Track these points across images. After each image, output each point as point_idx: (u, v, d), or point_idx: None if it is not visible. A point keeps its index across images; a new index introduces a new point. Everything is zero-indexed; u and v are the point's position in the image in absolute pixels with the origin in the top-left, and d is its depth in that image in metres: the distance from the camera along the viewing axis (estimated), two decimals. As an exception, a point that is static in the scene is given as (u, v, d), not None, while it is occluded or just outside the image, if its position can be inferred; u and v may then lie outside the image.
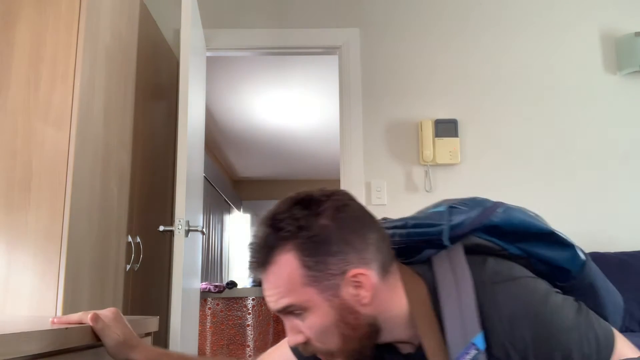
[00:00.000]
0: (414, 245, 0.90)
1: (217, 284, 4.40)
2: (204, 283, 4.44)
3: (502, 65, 2.73)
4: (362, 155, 2.60)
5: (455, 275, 0.82)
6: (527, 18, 2.78)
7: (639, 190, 2.63)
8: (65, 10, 1.50)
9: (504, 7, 2.79)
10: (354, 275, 0.79)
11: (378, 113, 2.67)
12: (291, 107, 4.61)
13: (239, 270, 7.03)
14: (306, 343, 0.82)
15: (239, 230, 7.18)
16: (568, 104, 2.70)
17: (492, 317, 0.78)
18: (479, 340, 0.77)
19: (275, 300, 0.81)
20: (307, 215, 0.80)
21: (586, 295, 0.87)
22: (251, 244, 0.84)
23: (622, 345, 0.80)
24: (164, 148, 2.36)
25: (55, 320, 0.89)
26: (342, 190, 0.87)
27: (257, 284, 4.75)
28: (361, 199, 2.56)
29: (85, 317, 0.87)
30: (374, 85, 2.69)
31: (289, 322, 0.83)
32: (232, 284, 4.44)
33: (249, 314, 4.47)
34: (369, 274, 0.80)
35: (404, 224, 0.92)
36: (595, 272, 0.91)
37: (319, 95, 4.31)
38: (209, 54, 2.75)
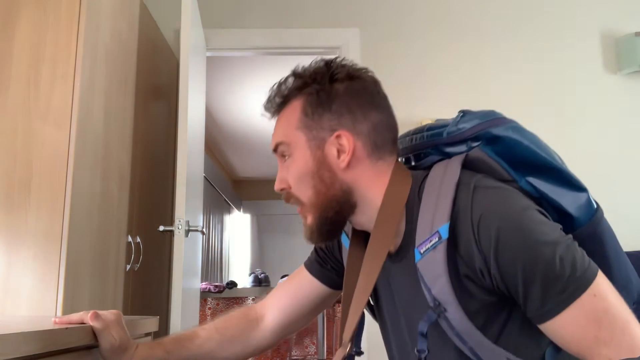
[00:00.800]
0: (424, 152, 0.92)
1: (217, 284, 4.40)
2: (204, 283, 4.44)
3: (502, 65, 2.73)
4: (362, 155, 2.60)
5: (445, 174, 0.80)
6: (527, 18, 2.78)
7: (639, 190, 2.63)
8: (65, 10, 1.50)
9: (504, 7, 2.79)
10: (338, 137, 0.85)
11: (378, 113, 2.67)
12: (291, 107, 4.61)
13: (239, 270, 7.03)
14: (288, 191, 0.88)
15: (239, 230, 7.18)
16: (568, 104, 2.70)
17: (464, 212, 0.75)
18: (444, 229, 0.75)
19: (276, 136, 0.90)
20: (324, 73, 0.88)
21: (592, 252, 0.76)
22: (277, 86, 0.93)
23: (605, 289, 0.71)
24: (164, 148, 2.36)
25: (56, 320, 0.89)
26: (371, 72, 0.95)
27: (257, 283, 4.75)
28: (361, 199, 2.56)
29: (86, 316, 0.86)
30: (374, 85, 2.69)
31: (280, 170, 0.89)
32: (232, 284, 4.44)
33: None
34: (353, 142, 0.85)
35: (422, 128, 0.95)
36: (606, 228, 0.86)
37: (319, 95, 4.31)
38: (209, 54, 2.75)
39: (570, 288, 0.70)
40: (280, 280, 4.76)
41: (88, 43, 1.52)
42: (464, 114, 0.90)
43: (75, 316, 0.88)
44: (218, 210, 6.12)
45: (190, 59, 2.02)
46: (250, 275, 4.98)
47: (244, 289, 4.62)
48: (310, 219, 0.87)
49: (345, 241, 0.97)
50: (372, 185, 0.86)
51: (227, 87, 4.19)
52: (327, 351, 4.27)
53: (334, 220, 0.86)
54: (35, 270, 1.36)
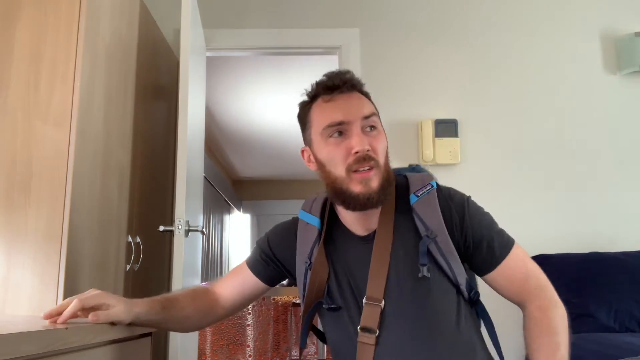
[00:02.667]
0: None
1: (217, 284, 4.39)
2: (204, 283, 4.43)
3: (502, 65, 2.73)
4: (362, 155, 2.60)
5: (423, 177, 1.17)
6: (527, 18, 2.78)
7: (639, 190, 2.63)
8: (65, 10, 1.50)
9: (504, 7, 2.79)
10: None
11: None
12: (291, 107, 4.61)
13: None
14: (369, 153, 1.07)
15: (239, 230, 7.17)
16: (568, 104, 2.70)
17: (441, 191, 1.15)
18: (434, 182, 1.15)
19: (363, 108, 1.11)
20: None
21: None
22: (337, 74, 1.15)
23: (520, 250, 1.14)
24: (164, 148, 2.36)
25: (59, 321, 0.89)
26: None
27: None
28: (361, 199, 2.56)
29: (77, 305, 0.92)
30: (374, 85, 2.69)
31: (366, 136, 1.09)
32: (232, 284, 4.43)
33: (249, 314, 4.46)
34: None
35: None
36: None
37: (319, 95, 4.30)
38: (209, 54, 2.75)
39: (505, 243, 1.13)
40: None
41: (88, 43, 1.52)
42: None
43: (67, 314, 0.90)
44: (218, 210, 6.12)
45: (190, 59, 2.02)
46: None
47: (244, 289, 4.61)
48: (378, 180, 1.07)
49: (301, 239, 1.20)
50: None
51: (227, 87, 4.19)
52: (327, 351, 4.27)
53: (388, 187, 1.10)
54: (35, 270, 1.36)
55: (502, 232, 1.14)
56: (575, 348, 2.00)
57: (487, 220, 1.14)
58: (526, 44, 2.75)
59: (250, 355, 4.26)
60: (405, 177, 1.17)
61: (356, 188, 1.06)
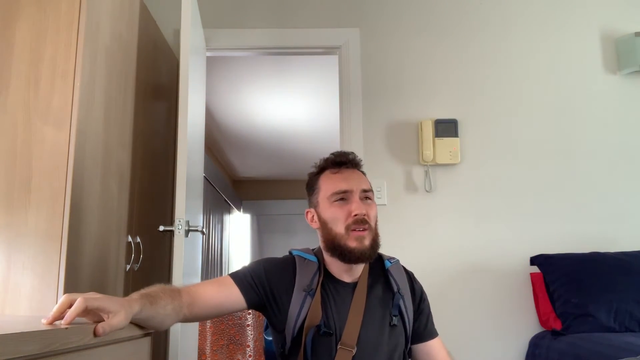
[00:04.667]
0: None
1: (217, 284, 4.39)
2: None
3: (502, 65, 2.73)
4: (362, 155, 2.60)
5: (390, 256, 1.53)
6: (527, 18, 2.78)
7: (639, 190, 2.63)
8: (65, 10, 1.50)
9: (504, 7, 2.79)
10: None
11: (378, 113, 2.67)
12: (291, 107, 4.61)
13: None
14: (364, 217, 1.33)
15: (239, 230, 7.17)
16: (568, 104, 2.70)
17: (405, 267, 1.52)
18: (396, 259, 1.49)
19: (364, 184, 1.39)
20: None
21: None
22: (346, 154, 1.44)
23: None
24: (164, 148, 2.36)
25: (62, 322, 0.89)
26: None
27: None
28: (361, 199, 2.57)
29: (81, 306, 0.91)
30: (374, 85, 2.69)
31: (363, 204, 1.35)
32: (232, 284, 4.43)
33: (249, 314, 4.46)
34: None
35: None
36: None
37: (319, 95, 4.31)
38: (209, 54, 2.75)
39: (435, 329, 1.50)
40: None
41: (88, 43, 1.52)
42: None
43: (70, 317, 0.89)
44: (218, 210, 6.12)
45: (190, 59, 2.02)
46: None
47: (244, 289, 4.61)
48: (369, 240, 1.34)
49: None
50: None
51: (227, 87, 4.19)
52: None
53: (377, 247, 1.37)
54: (35, 270, 1.36)
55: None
56: (575, 348, 2.01)
57: (427, 301, 1.49)
58: (526, 44, 2.75)
59: (250, 355, 4.26)
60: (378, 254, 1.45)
61: (352, 244, 1.31)
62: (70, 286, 1.39)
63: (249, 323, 4.44)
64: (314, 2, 2.78)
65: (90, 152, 1.54)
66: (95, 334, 0.88)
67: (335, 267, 1.38)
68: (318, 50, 2.79)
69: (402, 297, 1.39)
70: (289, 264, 1.40)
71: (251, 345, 4.40)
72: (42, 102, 1.44)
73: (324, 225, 1.36)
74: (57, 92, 1.45)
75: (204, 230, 2.35)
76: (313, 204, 1.43)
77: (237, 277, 1.34)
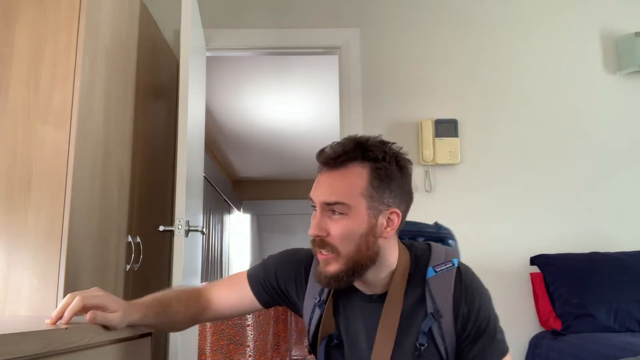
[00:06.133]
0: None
1: (217, 284, 4.39)
2: (204, 283, 4.43)
3: (502, 65, 2.73)
4: (362, 155, 2.60)
5: (447, 252, 1.14)
6: (528, 18, 2.78)
7: (639, 190, 2.63)
8: (65, 10, 1.50)
9: (504, 7, 2.79)
10: (392, 213, 1.06)
11: (378, 113, 2.66)
12: (291, 107, 4.61)
13: (238, 270, 7.03)
14: (322, 239, 1.04)
15: (239, 230, 7.17)
16: (568, 104, 2.70)
17: (464, 274, 1.10)
18: (455, 261, 1.11)
19: (329, 193, 1.03)
20: (391, 156, 1.07)
21: None
22: (337, 145, 1.07)
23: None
24: (164, 148, 2.36)
25: (60, 322, 0.89)
26: (411, 164, 1.13)
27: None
28: (361, 199, 2.56)
29: (79, 305, 0.91)
30: (374, 85, 2.69)
31: (320, 219, 1.04)
32: (232, 284, 4.43)
33: (249, 314, 4.46)
34: (399, 220, 1.08)
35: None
36: None
37: (319, 95, 4.31)
38: (209, 54, 2.75)
39: (499, 352, 1.08)
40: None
41: (88, 43, 1.52)
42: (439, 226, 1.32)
43: (67, 315, 0.91)
44: (218, 210, 6.12)
45: (190, 59, 2.02)
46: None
47: (244, 289, 4.61)
48: (336, 267, 1.04)
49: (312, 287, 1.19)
50: (392, 252, 1.10)
51: (227, 87, 4.19)
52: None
53: (357, 273, 1.05)
54: (35, 270, 1.36)
55: (501, 341, 1.09)
56: (575, 348, 2.01)
57: (492, 325, 1.08)
58: (526, 44, 2.75)
59: (250, 355, 4.26)
60: (429, 246, 1.14)
61: (317, 267, 1.08)
62: (70, 286, 1.39)
63: (249, 323, 4.44)
64: (314, 2, 2.78)
65: (90, 152, 1.54)
66: (87, 319, 0.89)
67: None
68: (318, 50, 2.79)
69: (438, 319, 1.06)
70: (304, 264, 1.21)
71: (251, 345, 4.40)
72: (42, 102, 1.44)
73: None
74: (57, 92, 1.45)
75: (204, 230, 2.35)
76: None
77: (251, 276, 1.23)
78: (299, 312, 1.23)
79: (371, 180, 1.04)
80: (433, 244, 1.16)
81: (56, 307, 1.34)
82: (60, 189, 1.40)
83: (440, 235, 1.28)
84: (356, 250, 1.03)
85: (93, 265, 1.56)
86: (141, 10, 2.02)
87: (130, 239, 1.87)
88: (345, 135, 2.59)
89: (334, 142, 1.09)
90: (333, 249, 1.03)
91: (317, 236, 1.04)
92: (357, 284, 1.12)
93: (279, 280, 1.21)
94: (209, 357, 4.31)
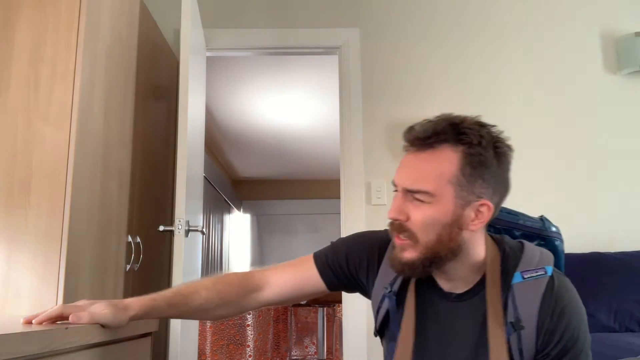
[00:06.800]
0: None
1: (217, 284, 4.39)
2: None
3: (501, 65, 2.73)
4: (362, 155, 2.60)
5: (541, 257, 1.00)
6: (528, 18, 2.78)
7: (639, 190, 2.63)
8: (65, 10, 1.50)
9: (504, 7, 2.79)
10: (482, 205, 0.95)
11: (378, 113, 2.67)
12: (291, 107, 4.61)
13: (238, 270, 7.03)
14: (401, 223, 0.95)
15: (239, 230, 7.18)
16: (568, 104, 2.70)
17: (556, 286, 0.97)
18: (549, 268, 0.97)
19: (413, 179, 0.95)
20: (489, 140, 0.95)
21: None
22: (428, 123, 0.97)
23: None
24: (164, 148, 2.36)
25: (34, 321, 0.88)
26: (512, 150, 1.00)
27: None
28: (361, 199, 2.56)
29: (57, 310, 0.89)
30: (374, 85, 2.69)
31: (401, 202, 0.96)
32: (232, 284, 4.43)
33: (249, 314, 4.46)
34: (490, 213, 0.96)
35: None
36: None
37: (319, 95, 4.31)
38: (209, 54, 2.75)
39: None
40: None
41: (88, 43, 1.52)
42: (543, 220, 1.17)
43: (54, 313, 0.89)
44: (218, 210, 6.12)
45: (190, 59, 2.02)
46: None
47: (244, 289, 4.61)
48: (412, 255, 0.96)
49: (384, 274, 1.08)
50: (478, 246, 1.00)
51: (227, 87, 4.19)
52: (327, 351, 4.27)
53: (434, 265, 0.97)
54: (35, 270, 1.36)
55: None
56: (575, 348, 2.01)
57: (578, 346, 0.97)
58: (526, 44, 2.75)
59: (250, 355, 4.26)
60: (522, 245, 1.02)
61: (391, 250, 1.01)
62: (70, 286, 1.39)
63: (249, 323, 4.45)
64: (314, 2, 2.78)
65: (90, 152, 1.54)
66: (70, 320, 0.88)
67: None
68: (318, 50, 2.79)
69: (519, 331, 0.95)
70: (378, 247, 1.12)
71: (251, 345, 4.40)
72: (42, 102, 1.44)
73: None
74: (57, 92, 1.45)
75: (204, 230, 2.35)
76: None
77: (318, 257, 1.14)
78: (367, 295, 1.14)
79: (462, 166, 0.93)
80: (527, 243, 1.03)
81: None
82: (60, 189, 1.40)
83: (544, 233, 1.12)
84: (437, 241, 0.94)
85: (93, 265, 1.56)
86: (141, 10, 2.03)
87: (130, 239, 1.87)
88: (345, 134, 2.62)
89: (425, 120, 0.99)
90: (412, 236, 0.95)
91: (396, 220, 0.96)
92: (438, 277, 1.03)
93: (349, 263, 1.12)
94: (209, 357, 4.31)
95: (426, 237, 0.94)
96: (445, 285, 1.03)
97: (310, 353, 4.72)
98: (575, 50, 2.75)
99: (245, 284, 1.10)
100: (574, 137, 2.66)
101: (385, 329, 1.09)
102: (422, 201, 0.94)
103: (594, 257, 2.36)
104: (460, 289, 1.01)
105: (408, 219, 0.95)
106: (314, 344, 4.68)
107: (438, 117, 0.99)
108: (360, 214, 2.51)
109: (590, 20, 2.78)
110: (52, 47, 1.48)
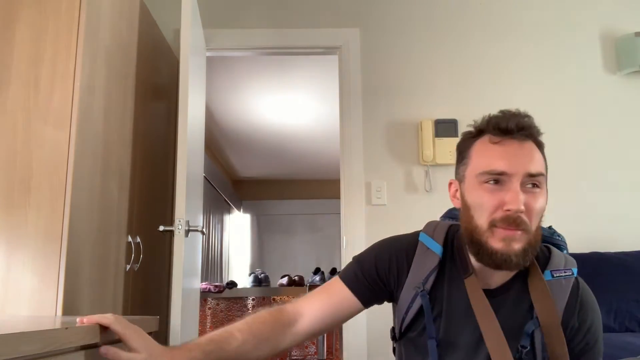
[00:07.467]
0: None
1: (217, 284, 4.40)
2: (204, 283, 4.43)
3: (502, 65, 2.73)
4: (362, 155, 2.60)
5: (567, 259, 1.09)
6: (528, 18, 2.78)
7: (639, 190, 2.63)
8: (65, 10, 1.50)
9: (504, 7, 2.79)
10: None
11: (378, 113, 2.67)
12: (291, 107, 4.61)
13: (239, 270, 7.03)
14: (521, 215, 0.96)
15: (239, 230, 7.18)
16: (568, 104, 2.70)
17: (581, 288, 1.08)
18: (575, 270, 1.06)
19: (534, 163, 0.99)
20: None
21: None
22: (518, 117, 1.03)
23: None
24: (164, 148, 2.36)
25: (85, 320, 0.88)
26: None
27: (257, 283, 4.74)
28: (361, 199, 2.57)
29: (109, 319, 0.88)
30: (374, 85, 2.69)
31: (523, 194, 0.97)
32: (232, 284, 4.44)
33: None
34: None
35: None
36: None
37: (319, 95, 4.31)
38: (209, 54, 2.75)
39: None
40: (282, 280, 4.75)
41: (88, 43, 1.52)
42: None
43: (91, 318, 0.88)
44: (218, 210, 6.12)
45: (190, 59, 2.02)
46: (250, 275, 4.98)
47: (244, 289, 4.62)
48: (522, 244, 0.97)
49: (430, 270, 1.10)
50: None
51: (227, 87, 4.19)
52: (327, 351, 4.27)
53: (533, 255, 0.99)
54: (35, 270, 1.36)
55: None
56: (575, 348, 2.01)
57: (599, 345, 1.05)
58: (526, 44, 2.75)
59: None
60: (549, 249, 1.09)
61: (496, 244, 0.96)
62: (70, 286, 1.39)
63: (249, 323, 4.43)
64: (314, 2, 2.78)
65: (90, 152, 1.54)
66: (100, 351, 0.87)
67: (476, 263, 1.05)
68: (318, 50, 2.79)
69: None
70: (405, 250, 1.13)
71: (251, 345, 4.39)
72: (42, 102, 1.44)
73: (465, 209, 1.04)
74: (57, 92, 1.45)
75: (204, 230, 2.35)
76: (459, 176, 1.09)
77: (345, 276, 1.14)
78: (394, 299, 1.14)
79: (545, 158, 1.03)
80: (552, 247, 1.10)
81: (56, 307, 1.34)
82: (60, 189, 1.40)
83: (553, 241, 1.17)
84: (538, 229, 1.00)
85: (93, 265, 1.56)
86: (141, 10, 2.03)
87: (130, 239, 1.87)
88: (345, 134, 2.62)
89: (507, 112, 1.07)
90: (526, 227, 0.96)
91: (522, 211, 0.95)
92: (480, 273, 1.04)
93: (379, 268, 1.12)
94: (209, 357, 4.29)
95: (534, 225, 0.98)
96: (492, 283, 1.05)
97: (310, 353, 4.72)
98: (575, 50, 2.75)
99: (280, 320, 1.07)
100: (574, 136, 2.66)
101: (409, 330, 1.10)
102: (539, 187, 0.98)
103: (594, 257, 2.36)
104: (493, 285, 1.05)
105: (526, 210, 0.96)
106: (314, 344, 4.68)
107: (519, 113, 1.06)
108: (360, 214, 2.51)
109: (590, 20, 2.78)
110: (52, 47, 1.48)
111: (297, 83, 4.09)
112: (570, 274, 1.05)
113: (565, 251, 1.17)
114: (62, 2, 1.50)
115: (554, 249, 1.09)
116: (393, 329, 1.16)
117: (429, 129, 2.59)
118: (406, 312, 1.09)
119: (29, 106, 1.44)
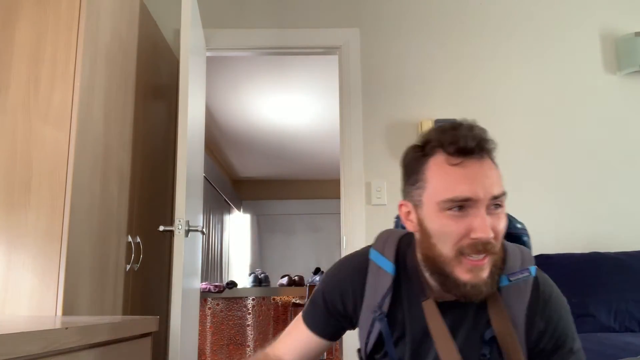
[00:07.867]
0: None
1: (217, 284, 4.41)
2: (204, 283, 4.44)
3: (501, 65, 2.73)
4: (362, 155, 2.60)
5: (523, 257, 1.03)
6: (528, 18, 2.78)
7: (639, 190, 2.63)
8: (65, 10, 1.50)
9: (504, 7, 2.79)
10: None
11: (378, 113, 2.67)
12: (291, 107, 4.62)
13: (239, 270, 7.03)
14: (493, 242, 0.91)
15: (239, 230, 7.18)
16: (568, 104, 2.70)
17: (542, 286, 1.01)
18: (533, 269, 1.00)
19: (497, 184, 0.93)
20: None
21: None
22: (472, 132, 0.93)
23: None
24: (164, 148, 2.36)
25: None
26: None
27: (257, 283, 4.75)
28: (361, 199, 2.57)
29: None
30: (374, 85, 2.69)
31: (489, 218, 0.91)
32: (232, 284, 4.45)
33: (249, 314, 4.46)
34: None
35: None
36: None
37: (319, 95, 4.31)
38: (209, 54, 2.75)
39: None
40: (282, 280, 4.75)
41: (88, 43, 1.52)
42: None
43: None
44: (218, 210, 6.12)
45: (190, 59, 2.02)
46: (250, 275, 4.98)
47: (244, 289, 4.63)
48: (489, 272, 0.92)
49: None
50: None
51: (227, 87, 4.19)
52: (326, 351, 4.27)
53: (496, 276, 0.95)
54: (35, 270, 1.36)
55: (577, 351, 0.99)
56: (575, 348, 2.01)
57: (570, 338, 0.99)
58: (526, 44, 2.75)
59: (250, 355, 4.26)
60: (503, 247, 0.99)
61: (464, 276, 0.91)
62: (70, 286, 1.39)
63: (249, 323, 4.45)
64: (314, 2, 2.78)
65: (90, 152, 1.54)
66: None
67: (432, 281, 1.00)
68: (318, 50, 2.79)
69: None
70: (357, 273, 1.08)
71: (251, 345, 4.40)
72: (42, 102, 1.45)
73: (424, 236, 0.96)
74: (57, 92, 1.45)
75: (204, 230, 2.35)
76: (412, 199, 0.99)
77: (307, 318, 1.14)
78: (352, 327, 1.13)
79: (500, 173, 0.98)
80: (508, 244, 1.02)
81: (56, 307, 1.34)
82: (60, 189, 1.40)
83: (510, 231, 1.10)
84: (501, 248, 0.95)
85: (93, 265, 1.56)
86: (141, 10, 2.03)
87: (130, 239, 1.87)
88: (345, 134, 2.62)
89: (459, 125, 0.95)
90: (493, 249, 0.91)
91: (492, 237, 0.89)
92: (437, 291, 0.99)
93: (329, 307, 1.10)
94: (209, 357, 4.31)
95: (499, 244, 0.93)
96: (434, 295, 1.01)
97: (310, 353, 4.73)
98: (575, 50, 2.75)
99: None
100: (574, 136, 2.66)
101: (376, 353, 1.07)
102: (501, 206, 0.93)
103: (594, 257, 2.36)
104: (449, 297, 0.98)
105: (495, 234, 0.91)
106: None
107: (470, 125, 0.96)
108: (360, 214, 2.51)
109: (590, 20, 2.78)
110: (52, 47, 1.48)
111: (297, 83, 4.09)
112: (527, 274, 0.99)
113: (525, 237, 1.13)
114: (62, 2, 1.50)
115: (509, 247, 1.02)
116: (359, 350, 1.14)
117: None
118: (367, 337, 1.06)
119: (29, 106, 1.44)
